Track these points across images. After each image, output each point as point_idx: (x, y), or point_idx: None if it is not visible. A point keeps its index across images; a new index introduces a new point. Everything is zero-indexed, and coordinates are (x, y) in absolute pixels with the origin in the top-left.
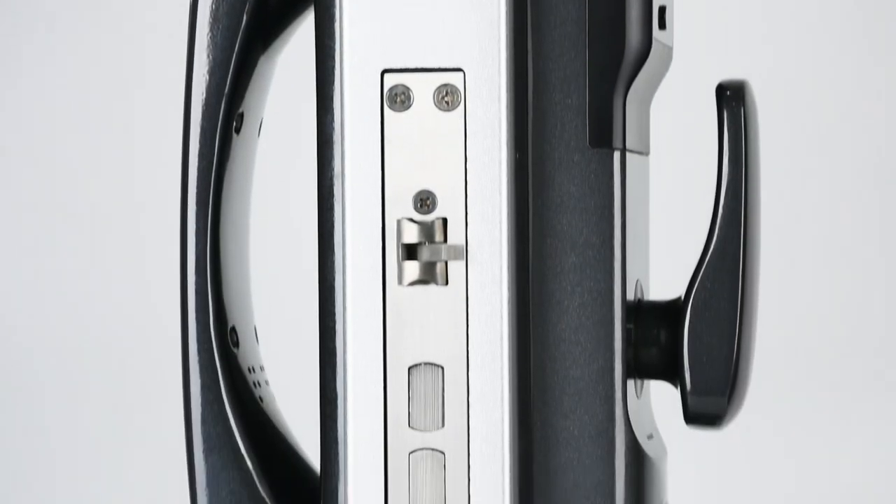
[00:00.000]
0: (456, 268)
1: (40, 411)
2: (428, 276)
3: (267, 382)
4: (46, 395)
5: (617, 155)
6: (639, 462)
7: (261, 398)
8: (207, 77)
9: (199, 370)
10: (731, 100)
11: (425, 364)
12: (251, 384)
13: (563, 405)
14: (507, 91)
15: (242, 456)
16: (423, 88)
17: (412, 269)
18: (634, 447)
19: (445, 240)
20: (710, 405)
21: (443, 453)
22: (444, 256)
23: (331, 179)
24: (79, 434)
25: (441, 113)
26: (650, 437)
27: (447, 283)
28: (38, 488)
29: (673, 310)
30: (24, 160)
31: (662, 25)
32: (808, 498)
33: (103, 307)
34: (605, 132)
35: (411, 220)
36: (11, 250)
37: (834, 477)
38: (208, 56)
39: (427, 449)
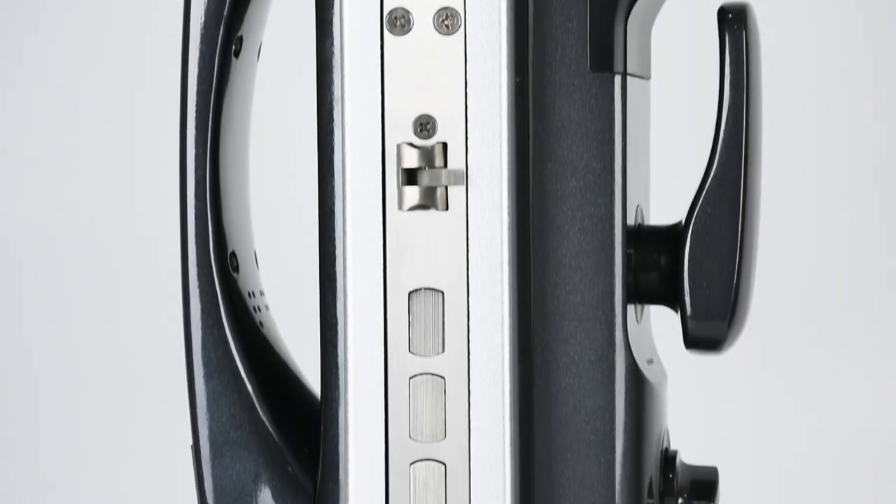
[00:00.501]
0: (456, 193)
1: (38, 340)
2: (428, 201)
3: (267, 307)
4: (44, 321)
5: (618, 79)
6: (639, 386)
7: (261, 323)
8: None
9: (199, 295)
10: (733, 23)
11: (425, 289)
12: (251, 309)
13: (563, 330)
14: (507, 14)
15: (243, 380)
16: (422, 12)
17: (412, 194)
18: (634, 372)
19: (445, 164)
20: (710, 330)
21: (443, 378)
22: (444, 181)
23: (330, 104)
24: (69, 358)
25: (441, 37)
26: (650, 361)
27: (447, 208)
28: (26, 412)
29: (673, 235)
30: (24, 83)
31: None
32: (807, 423)
33: (101, 232)
34: (605, 56)
35: (411, 144)
36: (9, 172)
37: (833, 401)
38: None
39: (427, 374)
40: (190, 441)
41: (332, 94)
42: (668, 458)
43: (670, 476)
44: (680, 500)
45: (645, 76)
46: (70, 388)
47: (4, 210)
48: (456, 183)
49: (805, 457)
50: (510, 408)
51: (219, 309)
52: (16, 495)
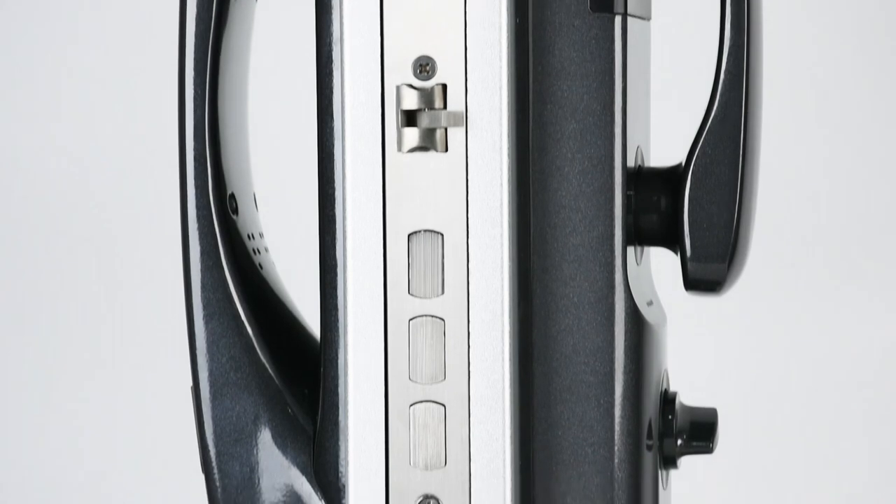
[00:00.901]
0: (455, 134)
1: (36, 282)
2: (427, 142)
3: (266, 249)
4: (44, 256)
5: (618, 20)
6: (638, 328)
7: (260, 265)
8: None
9: (199, 236)
10: None
11: (425, 231)
12: (250, 251)
13: (562, 272)
14: None
15: (242, 322)
16: None
17: (412, 135)
18: (634, 313)
19: (445, 106)
20: (709, 271)
21: (442, 320)
22: (443, 123)
23: (329, 45)
24: (78, 303)
25: None
26: (650, 303)
27: (447, 149)
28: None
29: (673, 176)
30: (22, 25)
31: None
32: (806, 364)
33: (100, 175)
34: None
35: (411, 86)
36: (9, 113)
37: (831, 344)
38: None
39: (427, 316)
40: (189, 383)
41: (331, 35)
42: (668, 399)
43: (669, 417)
44: (679, 442)
45: (645, 17)
46: (68, 327)
47: (2, 151)
48: (455, 124)
49: (804, 398)
50: (509, 349)
51: (218, 251)
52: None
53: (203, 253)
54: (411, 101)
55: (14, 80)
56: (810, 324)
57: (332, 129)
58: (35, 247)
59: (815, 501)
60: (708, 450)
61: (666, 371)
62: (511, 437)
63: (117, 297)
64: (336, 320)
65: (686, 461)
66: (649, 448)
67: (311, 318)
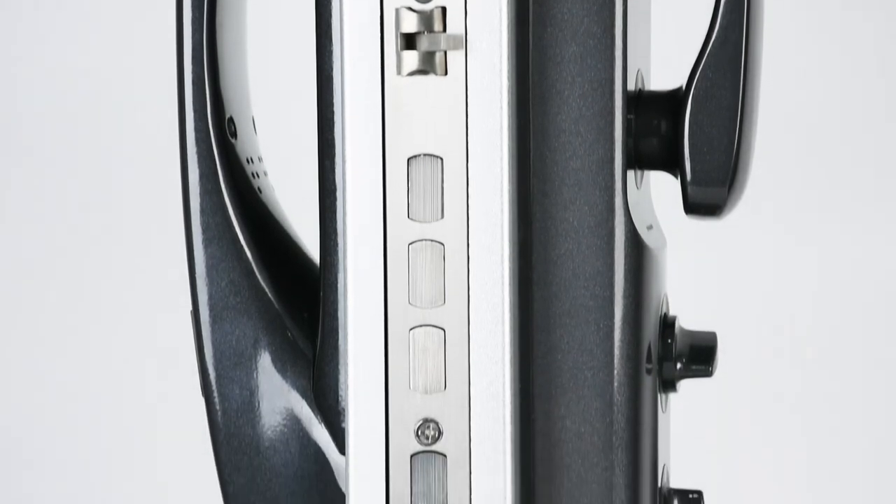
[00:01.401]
0: (455, 57)
1: (33, 206)
2: (427, 65)
3: (265, 173)
4: (40, 184)
5: None
6: (638, 252)
7: (259, 189)
8: None
9: (197, 160)
10: None
11: (424, 155)
12: (249, 175)
13: (562, 196)
14: None
15: (242, 246)
16: None
17: (411, 58)
18: (634, 237)
19: (444, 29)
20: (710, 195)
21: (442, 244)
22: (443, 46)
23: None
24: (77, 228)
25: None
26: (650, 227)
27: (446, 73)
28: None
29: (674, 100)
30: None
31: None
32: (806, 286)
33: (97, 99)
34: None
35: (410, 8)
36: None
37: (832, 265)
38: None
39: (426, 240)
40: (189, 307)
41: None
42: (667, 323)
43: (669, 341)
44: (678, 365)
45: None
46: (64, 250)
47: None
48: (455, 48)
49: (805, 320)
50: (509, 273)
51: (217, 174)
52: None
53: (202, 177)
54: (410, 24)
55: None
56: (811, 246)
57: (330, 52)
58: (31, 170)
59: (815, 422)
60: (707, 373)
61: (666, 295)
62: (510, 361)
63: (115, 222)
64: (335, 244)
65: (685, 384)
66: (648, 372)
67: (310, 243)
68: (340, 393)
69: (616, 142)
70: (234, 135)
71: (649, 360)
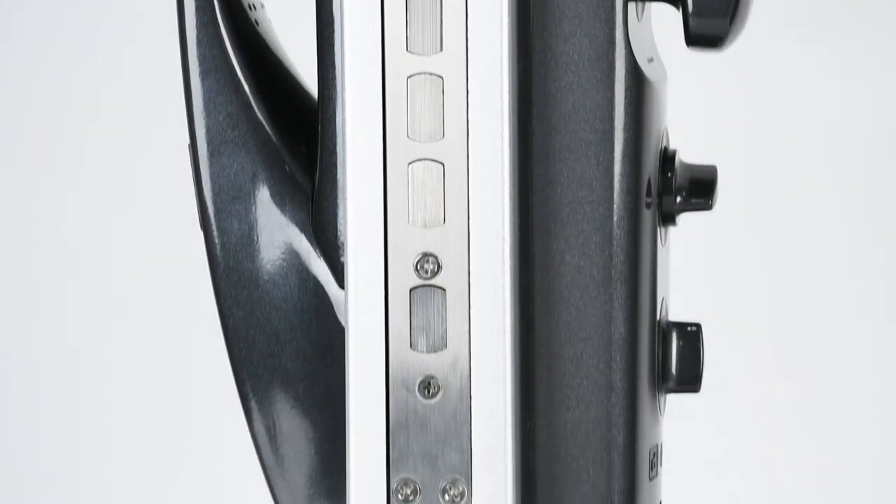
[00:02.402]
0: None
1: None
2: None
3: (262, 6)
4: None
5: None
6: (638, 85)
7: (257, 21)
8: None
9: None
10: None
11: None
12: (246, 6)
13: (562, 29)
14: None
15: (239, 80)
16: None
17: None
18: (634, 70)
19: None
20: (711, 27)
21: (441, 77)
22: None
23: None
24: (74, 66)
25: None
26: (650, 60)
27: None
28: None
29: None
30: None
31: None
32: (807, 120)
33: None
34: None
35: None
36: None
37: (834, 99)
38: None
39: (425, 73)
40: (187, 140)
41: None
42: (668, 157)
43: (669, 175)
44: (678, 199)
45: None
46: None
47: None
48: None
49: (805, 154)
50: (508, 107)
51: (213, 6)
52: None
53: (198, 9)
54: None
55: None
56: (813, 79)
57: None
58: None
59: (810, 251)
60: (707, 206)
61: (666, 129)
62: (509, 195)
63: (112, 62)
64: (333, 78)
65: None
66: (648, 206)
67: (308, 77)
68: (339, 227)
69: None
70: None
71: (649, 193)
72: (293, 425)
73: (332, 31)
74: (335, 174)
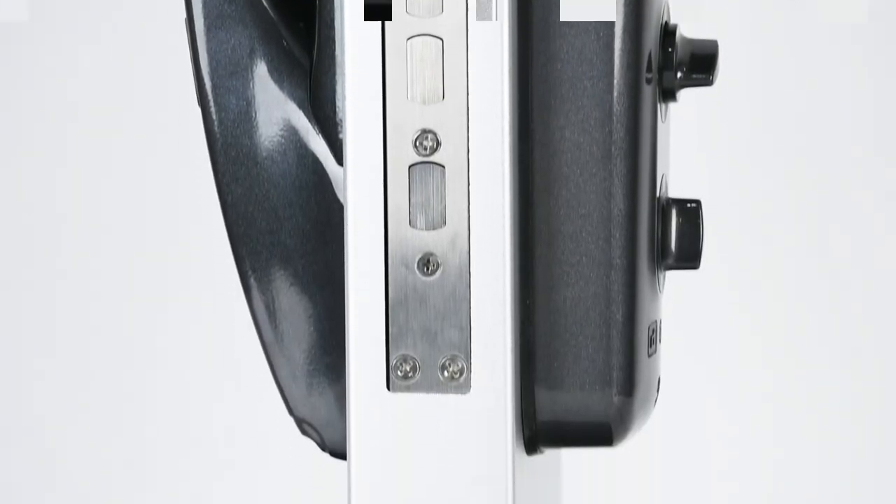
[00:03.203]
0: None
1: None
2: None
3: None
4: None
5: None
6: None
7: None
8: None
9: None
10: None
11: None
12: None
13: None
14: None
15: None
16: None
17: None
18: None
19: None
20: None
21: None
22: None
23: None
24: None
25: None
26: None
27: None
28: None
29: None
30: None
31: None
32: (812, 17)
33: None
34: None
35: None
36: None
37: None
38: None
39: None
40: (183, 14)
41: None
42: (668, 31)
43: (670, 50)
44: (679, 74)
45: None
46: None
47: None
48: None
49: (806, 49)
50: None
51: None
52: None
53: None
54: None
55: None
56: None
57: None
58: None
59: (806, 140)
60: (708, 82)
61: (667, 3)
62: (509, 70)
63: None
64: None
65: (683, 93)
66: (648, 81)
67: None
68: (338, 104)
69: None
70: None
71: (649, 69)
72: (292, 302)
73: None
74: (333, 50)
